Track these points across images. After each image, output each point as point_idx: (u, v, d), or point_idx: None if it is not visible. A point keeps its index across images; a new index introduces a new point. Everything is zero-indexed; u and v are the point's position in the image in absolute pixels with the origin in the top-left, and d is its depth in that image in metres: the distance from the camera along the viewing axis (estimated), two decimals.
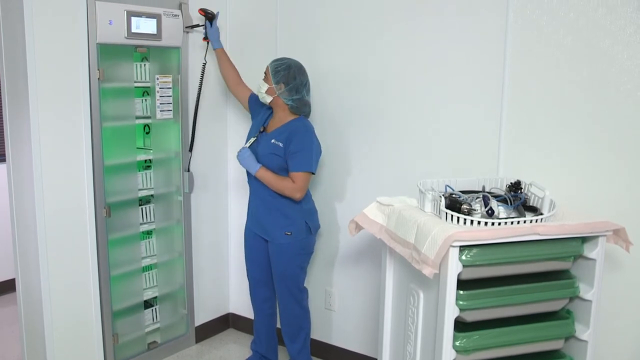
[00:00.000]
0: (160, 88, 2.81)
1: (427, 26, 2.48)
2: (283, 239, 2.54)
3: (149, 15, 2.64)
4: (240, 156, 2.55)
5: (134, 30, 2.58)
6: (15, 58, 2.35)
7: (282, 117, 2.54)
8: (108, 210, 2.63)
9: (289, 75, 2.45)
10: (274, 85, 2.46)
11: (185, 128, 2.94)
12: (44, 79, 2.34)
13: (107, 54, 2.56)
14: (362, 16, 2.65)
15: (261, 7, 3.00)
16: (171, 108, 2.86)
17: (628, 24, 2.05)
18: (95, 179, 2.56)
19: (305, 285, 2.70)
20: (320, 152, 2.56)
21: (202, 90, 2.93)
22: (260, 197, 2.59)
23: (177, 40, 2.81)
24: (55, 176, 2.43)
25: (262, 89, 2.51)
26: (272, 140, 2.49)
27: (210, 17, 2.84)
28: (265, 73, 2.52)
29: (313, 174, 2.49)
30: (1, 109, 2.73)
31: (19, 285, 2.61)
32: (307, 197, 2.60)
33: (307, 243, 2.60)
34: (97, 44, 2.48)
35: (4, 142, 2.54)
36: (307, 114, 2.57)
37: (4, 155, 2.57)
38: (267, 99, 2.51)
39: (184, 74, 2.90)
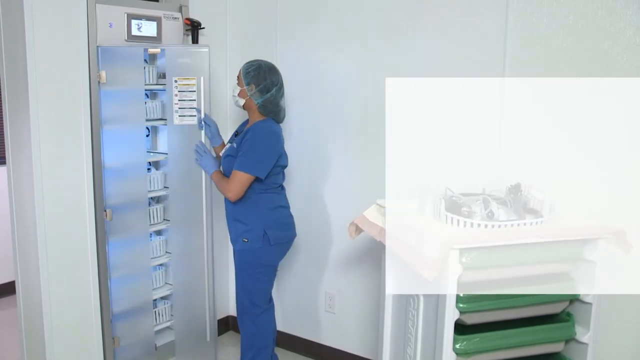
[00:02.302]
0: (179, 91, 2.67)
1: (427, 27, 2.48)
2: (241, 245, 2.48)
3: (149, 18, 2.64)
4: (202, 160, 2.57)
5: (134, 32, 2.59)
6: (15, 60, 2.36)
7: (253, 119, 2.51)
8: (109, 213, 2.63)
9: (259, 76, 2.42)
10: (245, 87, 2.44)
11: None
12: (45, 81, 2.35)
13: (111, 56, 2.55)
14: (361, 17, 2.66)
15: (261, 9, 3.01)
16: (195, 113, 2.65)
17: (628, 26, 2.05)
18: (96, 182, 2.56)
19: (262, 302, 2.56)
20: (274, 156, 2.42)
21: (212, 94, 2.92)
22: (226, 205, 2.56)
23: (177, 43, 2.81)
24: (55, 179, 2.43)
25: (235, 92, 2.49)
26: (234, 143, 2.47)
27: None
28: (237, 77, 2.49)
29: (258, 178, 2.38)
30: (1, 111, 2.73)
31: (18, 287, 2.61)
32: (272, 205, 2.49)
33: (264, 253, 2.48)
34: (97, 46, 2.49)
35: (4, 145, 2.55)
36: (275, 114, 2.48)
37: (4, 157, 2.57)
38: (240, 102, 2.48)
39: None
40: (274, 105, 2.46)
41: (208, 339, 2.85)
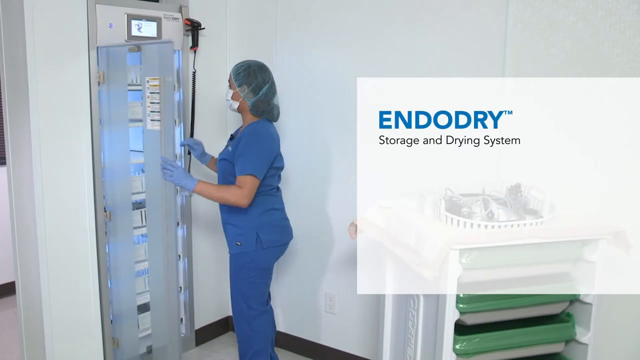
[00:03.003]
0: (150, 93, 2.42)
1: (428, 28, 2.48)
2: (235, 249, 2.46)
3: (149, 19, 2.64)
4: (174, 175, 2.34)
5: (134, 33, 2.59)
6: (15, 61, 2.35)
7: (247, 121, 2.48)
8: (108, 214, 2.63)
9: (250, 75, 2.39)
10: (238, 89, 2.41)
11: (186, 131, 2.93)
12: (45, 82, 2.35)
13: (109, 57, 2.55)
14: (362, 18, 2.66)
15: (261, 9, 3.01)
16: (159, 117, 2.40)
17: (628, 27, 2.06)
18: (96, 182, 2.56)
19: (258, 305, 2.52)
20: (270, 156, 2.38)
21: (197, 96, 2.90)
22: (220, 209, 2.52)
23: (177, 44, 2.81)
24: (55, 179, 2.43)
25: (228, 96, 2.45)
26: (229, 147, 2.44)
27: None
28: (228, 80, 2.46)
29: (258, 178, 2.34)
30: (1, 112, 2.73)
31: (18, 288, 2.60)
32: (265, 208, 2.45)
33: (257, 257, 2.44)
34: (97, 47, 2.49)
35: (4, 145, 2.54)
36: (268, 113, 2.44)
37: (4, 158, 2.57)
38: (235, 106, 2.44)
39: (185, 77, 2.89)
40: (265, 104, 2.43)
41: None
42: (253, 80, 2.40)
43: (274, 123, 2.52)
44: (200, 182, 2.36)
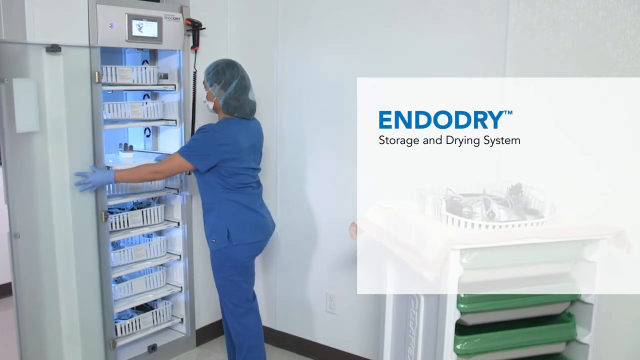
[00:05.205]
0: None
1: (429, 28, 2.48)
2: (212, 246, 2.50)
3: (150, 19, 2.64)
4: (93, 182, 2.45)
5: (134, 33, 2.58)
6: None
7: (219, 119, 2.51)
8: (105, 214, 2.62)
9: (218, 73, 2.42)
10: (210, 89, 2.44)
11: (187, 131, 2.93)
12: None
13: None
14: (363, 18, 2.66)
15: (261, 10, 3.01)
16: None
17: (628, 27, 2.06)
18: None
19: (242, 302, 2.56)
20: (208, 146, 2.38)
21: (198, 96, 2.90)
22: (202, 207, 2.56)
23: (178, 44, 2.81)
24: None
25: (204, 97, 2.50)
26: None
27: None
28: (203, 82, 2.49)
29: (197, 169, 2.39)
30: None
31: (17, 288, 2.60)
32: (236, 206, 2.46)
33: (231, 254, 2.47)
34: (97, 47, 2.48)
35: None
36: (238, 109, 2.45)
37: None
38: (210, 106, 2.48)
39: (185, 77, 2.89)
40: (234, 100, 2.44)
41: None
42: (222, 77, 2.42)
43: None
44: (116, 171, 2.48)
